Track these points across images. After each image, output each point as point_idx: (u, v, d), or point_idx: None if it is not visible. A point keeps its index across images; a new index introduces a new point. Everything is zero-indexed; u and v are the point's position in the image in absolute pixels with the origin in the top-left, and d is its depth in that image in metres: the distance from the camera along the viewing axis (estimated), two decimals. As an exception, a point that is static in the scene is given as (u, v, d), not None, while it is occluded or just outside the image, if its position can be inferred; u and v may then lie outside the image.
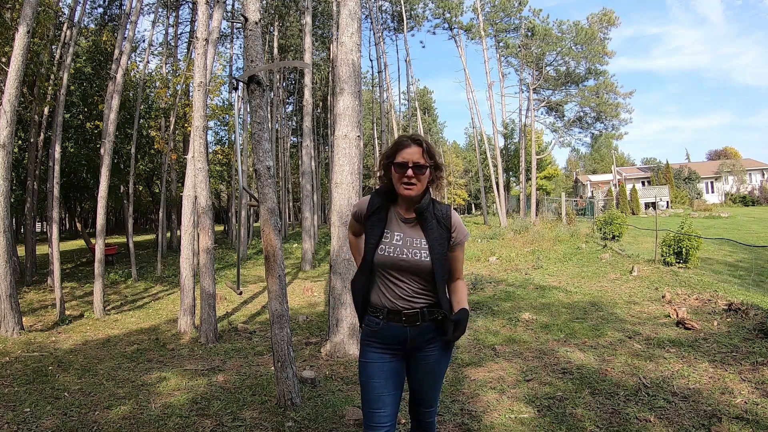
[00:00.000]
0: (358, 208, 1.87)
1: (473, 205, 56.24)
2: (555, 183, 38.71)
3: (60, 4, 13.56)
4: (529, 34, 23.37)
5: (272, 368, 4.05)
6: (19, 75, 6.49)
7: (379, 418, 1.74)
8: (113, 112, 9.86)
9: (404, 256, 1.74)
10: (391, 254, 1.74)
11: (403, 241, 1.77)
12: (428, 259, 1.74)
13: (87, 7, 15.82)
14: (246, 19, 3.58)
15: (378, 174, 1.86)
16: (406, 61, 26.07)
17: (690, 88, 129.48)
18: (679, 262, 9.20)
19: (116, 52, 11.13)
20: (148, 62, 17.70)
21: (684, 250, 9.14)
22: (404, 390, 1.91)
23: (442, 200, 1.90)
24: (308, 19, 15.29)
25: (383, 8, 26.09)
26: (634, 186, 30.41)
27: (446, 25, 25.27)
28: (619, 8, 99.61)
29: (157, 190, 20.45)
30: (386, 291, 1.77)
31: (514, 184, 34.16)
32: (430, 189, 1.82)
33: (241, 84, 3.72)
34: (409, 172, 1.71)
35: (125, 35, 11.12)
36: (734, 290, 7.04)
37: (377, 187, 1.89)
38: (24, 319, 7.25)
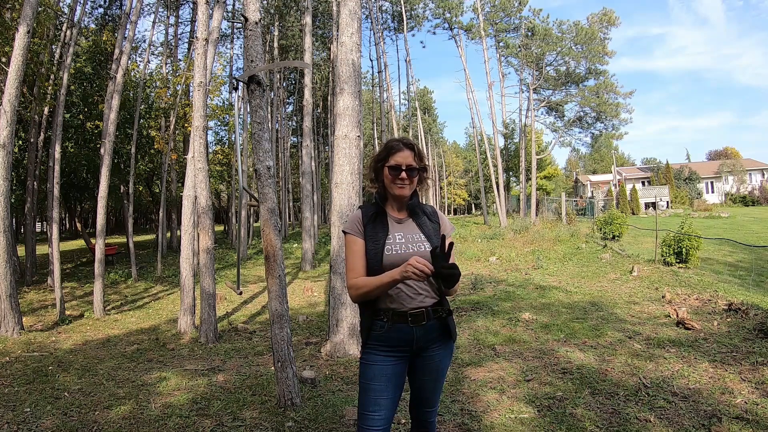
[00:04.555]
0: (353, 223, 1.86)
1: (473, 205, 56.25)
2: (555, 183, 38.68)
3: (60, 4, 13.57)
4: (529, 34, 23.36)
5: (272, 368, 4.05)
6: (19, 75, 6.49)
7: (373, 421, 1.76)
8: (113, 112, 9.86)
9: (410, 251, 1.80)
10: (399, 252, 1.79)
11: (405, 238, 1.84)
12: (430, 249, 1.81)
13: (87, 7, 15.84)
14: (246, 19, 3.58)
15: (369, 177, 1.94)
16: (406, 61, 26.13)
17: (691, 89, 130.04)
18: (679, 262, 9.20)
19: (116, 52, 11.12)
20: (148, 62, 17.73)
21: (684, 250, 9.14)
22: (404, 390, 1.91)
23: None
24: (308, 19, 15.29)
25: (383, 8, 26.09)
26: (634, 186, 30.41)
27: (446, 25, 25.26)
28: (621, 9, 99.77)
29: (157, 190, 20.44)
30: (392, 292, 1.78)
31: (514, 184, 34.14)
32: (417, 190, 1.93)
33: (241, 84, 3.72)
34: (403, 174, 1.82)
35: (125, 35, 11.12)
36: (734, 290, 7.04)
37: (370, 190, 1.98)
38: (24, 319, 7.26)
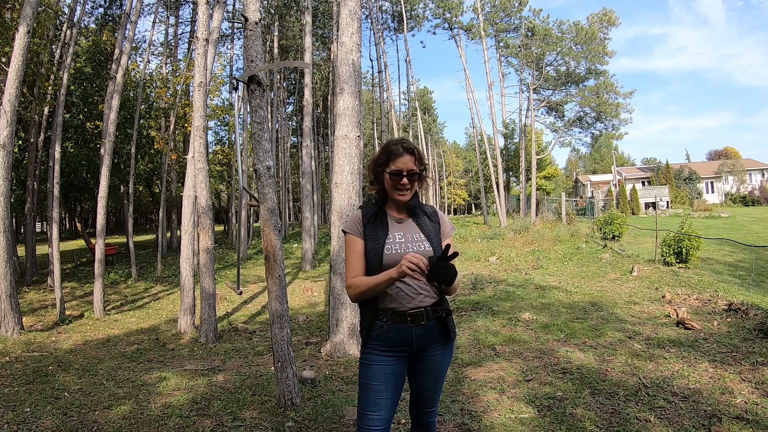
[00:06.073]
0: (353, 223, 1.86)
1: (473, 205, 56.25)
2: (555, 183, 38.71)
3: (60, 4, 13.56)
4: (529, 34, 23.37)
5: (272, 368, 4.05)
6: (19, 75, 6.49)
7: (373, 421, 1.76)
8: (113, 112, 9.86)
9: (410, 251, 1.80)
10: (399, 251, 1.79)
11: (404, 238, 1.84)
12: (430, 249, 1.82)
13: (87, 7, 15.85)
14: (246, 19, 3.58)
15: (369, 179, 1.92)
16: (406, 61, 26.14)
17: (691, 89, 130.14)
18: (679, 262, 9.20)
19: (116, 52, 11.12)
20: (148, 62, 17.72)
21: (684, 250, 9.14)
22: (404, 390, 1.91)
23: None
24: (308, 19, 15.29)
25: (383, 8, 26.10)
26: (634, 186, 30.41)
27: (446, 25, 25.27)
28: (621, 9, 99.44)
29: (157, 190, 20.44)
30: (392, 292, 1.78)
31: (514, 184, 34.14)
32: (417, 189, 1.92)
33: (241, 84, 3.72)
34: (404, 180, 1.80)
35: (125, 35, 11.12)
36: (734, 290, 7.03)
37: (369, 192, 1.97)
38: (24, 319, 7.25)
